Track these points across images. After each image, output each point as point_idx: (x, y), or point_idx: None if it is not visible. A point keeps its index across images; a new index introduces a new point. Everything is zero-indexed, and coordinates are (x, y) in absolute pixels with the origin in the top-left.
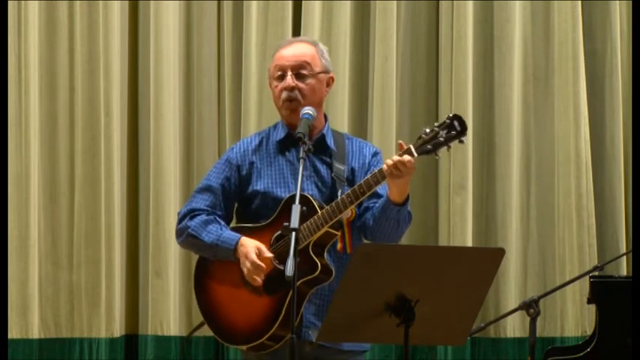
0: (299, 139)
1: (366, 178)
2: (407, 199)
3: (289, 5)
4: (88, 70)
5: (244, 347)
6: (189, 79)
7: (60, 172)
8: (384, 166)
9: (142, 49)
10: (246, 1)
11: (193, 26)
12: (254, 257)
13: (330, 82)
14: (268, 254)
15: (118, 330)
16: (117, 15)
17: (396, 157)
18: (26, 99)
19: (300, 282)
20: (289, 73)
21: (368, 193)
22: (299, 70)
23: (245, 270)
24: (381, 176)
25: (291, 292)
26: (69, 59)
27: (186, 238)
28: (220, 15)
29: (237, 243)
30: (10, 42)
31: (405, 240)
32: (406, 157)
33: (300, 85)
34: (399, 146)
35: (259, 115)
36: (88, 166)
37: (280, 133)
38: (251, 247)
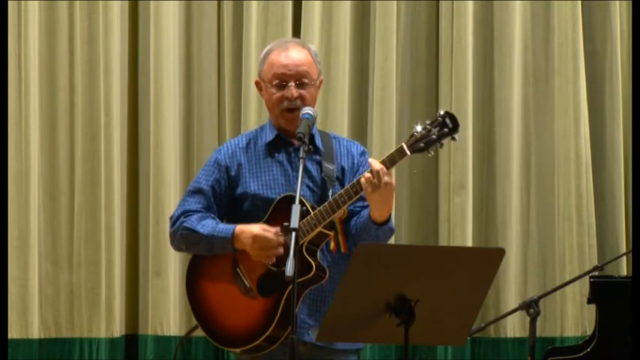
0: (299, 139)
1: (358, 178)
2: (388, 219)
3: (289, 5)
4: (88, 70)
5: (238, 350)
6: (189, 79)
7: (60, 172)
8: (362, 179)
9: (142, 49)
10: (246, 1)
11: (193, 26)
12: (266, 234)
13: (321, 83)
14: (275, 229)
15: (118, 330)
16: (117, 15)
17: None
18: (26, 99)
19: None
20: (292, 83)
21: (361, 193)
22: (300, 79)
23: (256, 252)
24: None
25: (286, 293)
26: (69, 59)
27: (181, 232)
28: (220, 15)
29: (234, 231)
30: (10, 42)
31: (405, 240)
32: (378, 166)
33: (303, 93)
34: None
35: (259, 115)
36: (88, 166)
37: (269, 135)
38: (255, 228)
